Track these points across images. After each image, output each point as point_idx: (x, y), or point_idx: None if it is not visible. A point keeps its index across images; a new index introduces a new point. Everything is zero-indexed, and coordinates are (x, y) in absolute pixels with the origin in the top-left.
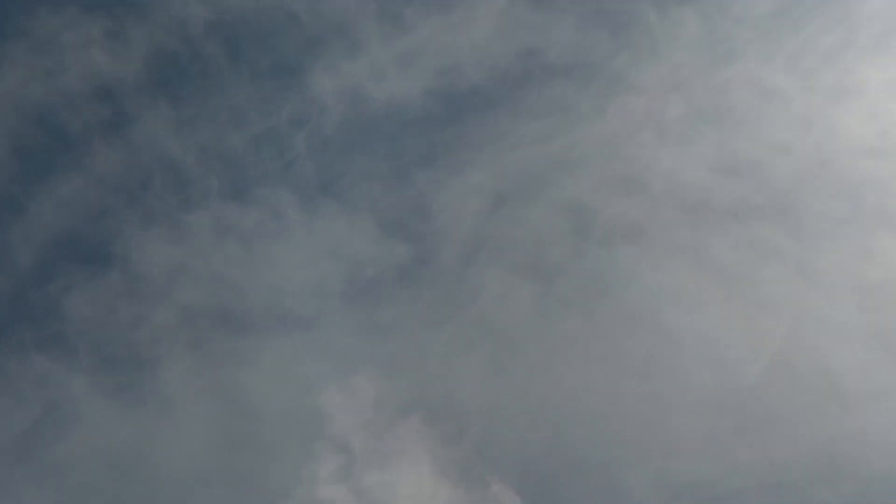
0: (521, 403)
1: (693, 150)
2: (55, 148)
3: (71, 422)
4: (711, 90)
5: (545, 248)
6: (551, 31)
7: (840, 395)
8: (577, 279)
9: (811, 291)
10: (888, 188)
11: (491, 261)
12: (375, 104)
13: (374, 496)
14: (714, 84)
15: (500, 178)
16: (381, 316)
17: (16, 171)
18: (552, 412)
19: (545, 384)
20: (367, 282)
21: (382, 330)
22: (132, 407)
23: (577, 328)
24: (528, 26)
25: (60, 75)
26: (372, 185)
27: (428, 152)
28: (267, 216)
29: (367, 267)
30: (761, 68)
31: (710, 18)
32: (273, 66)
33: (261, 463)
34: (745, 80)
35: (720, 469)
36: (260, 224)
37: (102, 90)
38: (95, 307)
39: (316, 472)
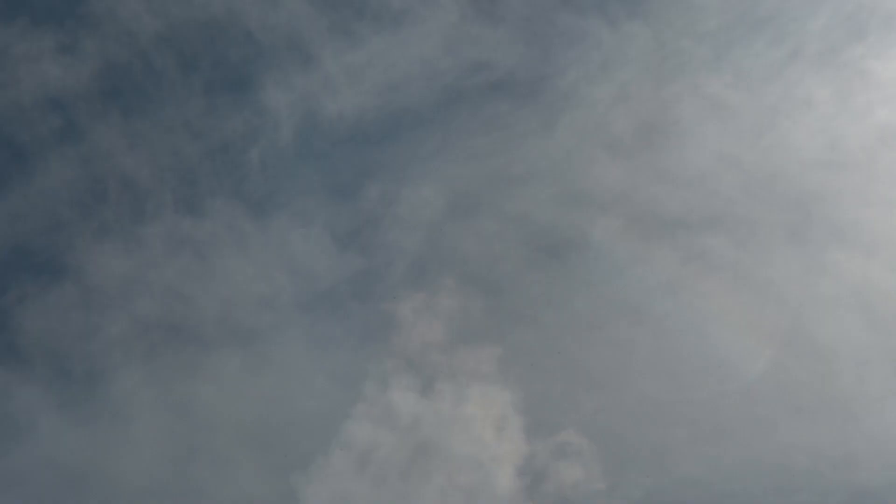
0: None
1: (641, 163)
2: (7, 160)
3: (23, 433)
4: (660, 104)
5: (495, 260)
6: (501, 47)
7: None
8: (526, 290)
9: (762, 304)
10: (838, 201)
11: (442, 272)
12: (327, 118)
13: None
14: (663, 98)
15: (451, 190)
16: (333, 328)
17: None
18: None
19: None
20: (319, 294)
21: (335, 342)
22: (85, 418)
23: (527, 338)
24: (478, 42)
25: (11, 87)
26: (324, 198)
27: (380, 165)
28: (220, 229)
29: (320, 279)
30: (710, 82)
31: (661, 33)
32: (225, 78)
33: (215, 475)
34: (694, 94)
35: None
36: (213, 237)
37: (54, 102)
38: (49, 319)
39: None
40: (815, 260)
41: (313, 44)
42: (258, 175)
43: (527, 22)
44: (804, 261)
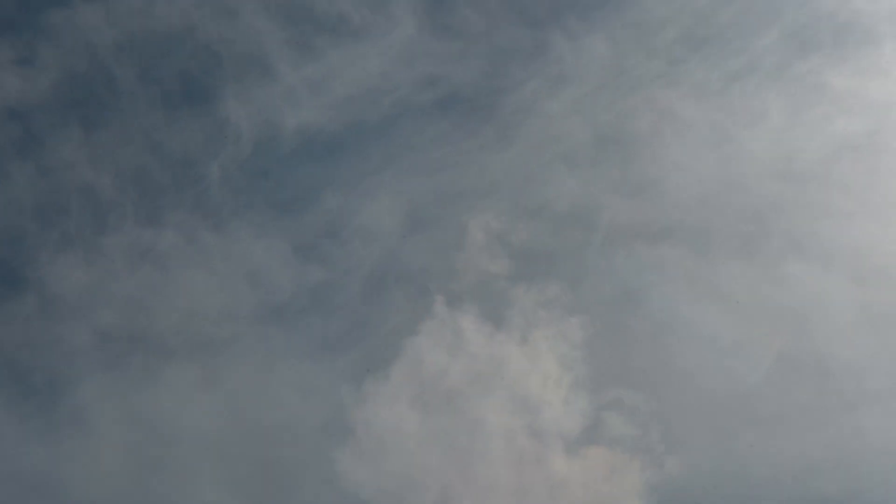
0: None
1: (600, 174)
2: None
3: None
4: (617, 116)
5: (455, 272)
6: (459, 61)
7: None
8: (486, 302)
9: (720, 315)
10: (793, 212)
11: (401, 283)
12: (287, 130)
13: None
14: (619, 110)
15: (409, 202)
16: (294, 338)
17: None
18: None
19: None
20: (280, 305)
21: (296, 352)
22: (46, 429)
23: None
24: (435, 55)
25: None
26: (283, 210)
27: (338, 178)
28: (181, 240)
29: (281, 290)
30: (666, 95)
31: (619, 46)
32: (185, 91)
33: (176, 485)
34: (650, 107)
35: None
36: (174, 248)
37: (13, 113)
38: (10, 329)
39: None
40: (772, 271)
41: (272, 57)
42: (218, 187)
43: (484, 36)
44: (760, 271)
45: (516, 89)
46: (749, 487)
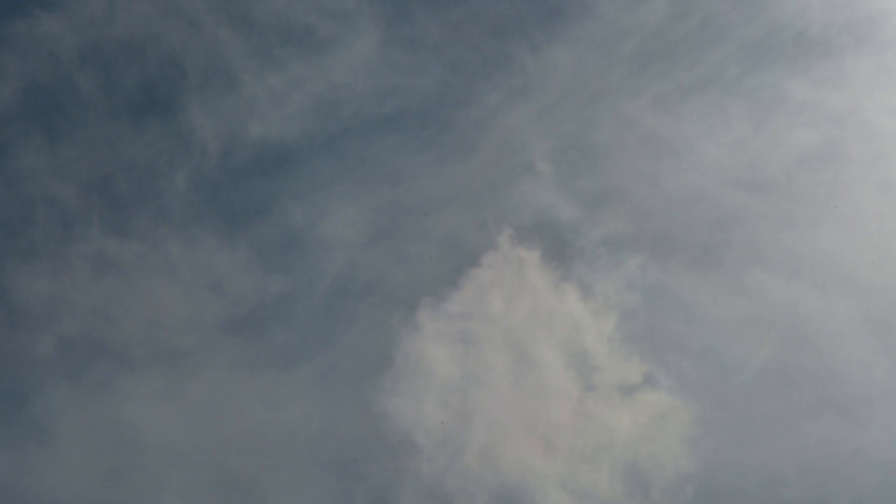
0: None
1: (564, 184)
2: None
3: None
4: (581, 126)
5: (419, 282)
6: (423, 72)
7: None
8: (450, 312)
9: (684, 325)
10: (757, 222)
11: (366, 293)
12: (251, 140)
13: None
14: (583, 120)
15: (373, 212)
16: (258, 348)
17: None
18: None
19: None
20: (244, 314)
21: (260, 361)
22: (9, 438)
23: (448, 359)
24: (398, 66)
25: None
26: (248, 219)
27: (303, 187)
28: (146, 250)
29: (245, 300)
30: (629, 105)
31: (583, 57)
32: (148, 100)
33: (141, 495)
34: (614, 116)
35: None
36: (139, 258)
37: None
38: None
39: None
40: (734, 280)
41: (236, 67)
42: (182, 197)
43: (447, 47)
44: (723, 281)
45: (478, 100)
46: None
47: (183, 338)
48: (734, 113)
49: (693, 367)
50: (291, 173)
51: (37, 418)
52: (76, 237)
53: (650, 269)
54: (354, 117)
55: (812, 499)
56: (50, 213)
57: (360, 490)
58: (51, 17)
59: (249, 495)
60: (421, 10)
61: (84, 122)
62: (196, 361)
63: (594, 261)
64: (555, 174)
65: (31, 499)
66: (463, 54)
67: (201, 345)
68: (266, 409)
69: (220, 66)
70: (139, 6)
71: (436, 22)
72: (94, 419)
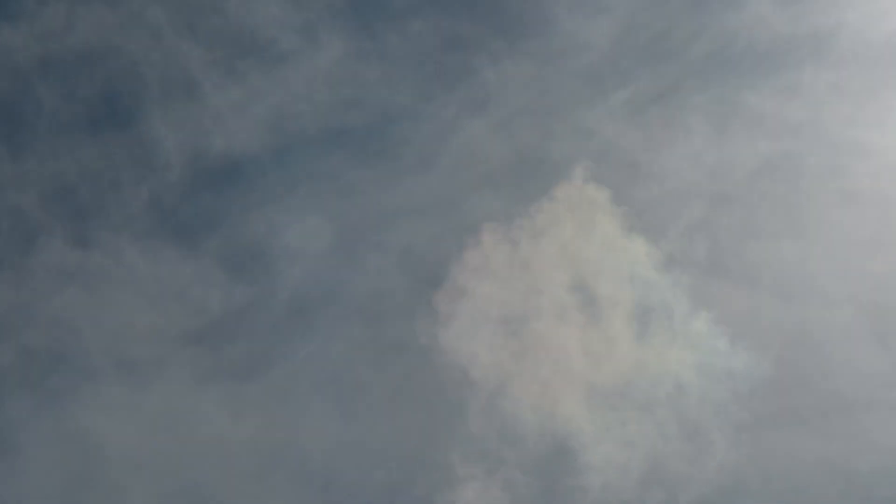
0: None
1: (522, 195)
2: None
3: None
4: (540, 137)
5: (381, 292)
6: (385, 84)
7: None
8: (411, 322)
9: (643, 334)
10: (718, 232)
11: (327, 303)
12: (214, 152)
13: None
14: (542, 131)
15: (336, 223)
16: (221, 358)
17: None
18: None
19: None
20: (207, 325)
21: (223, 372)
22: None
23: (413, 370)
24: (359, 78)
25: None
26: (213, 230)
27: (266, 199)
28: (109, 261)
29: (208, 310)
30: (588, 116)
31: (543, 68)
32: (111, 112)
33: None
34: (573, 127)
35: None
36: (102, 269)
37: None
38: None
39: None
40: (697, 290)
41: (197, 79)
42: (146, 208)
43: (408, 59)
44: (686, 291)
45: (440, 111)
46: None
47: (145, 348)
48: (696, 123)
49: None
50: (253, 184)
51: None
52: (39, 248)
53: None
54: (316, 129)
55: None
56: (12, 224)
57: (321, 501)
58: (10, 28)
59: None
60: (382, 24)
61: (45, 132)
62: (158, 372)
63: None
64: (515, 185)
65: None
66: (424, 67)
67: (163, 355)
68: (228, 420)
69: (182, 78)
70: (99, 17)
71: (397, 35)
72: (55, 429)
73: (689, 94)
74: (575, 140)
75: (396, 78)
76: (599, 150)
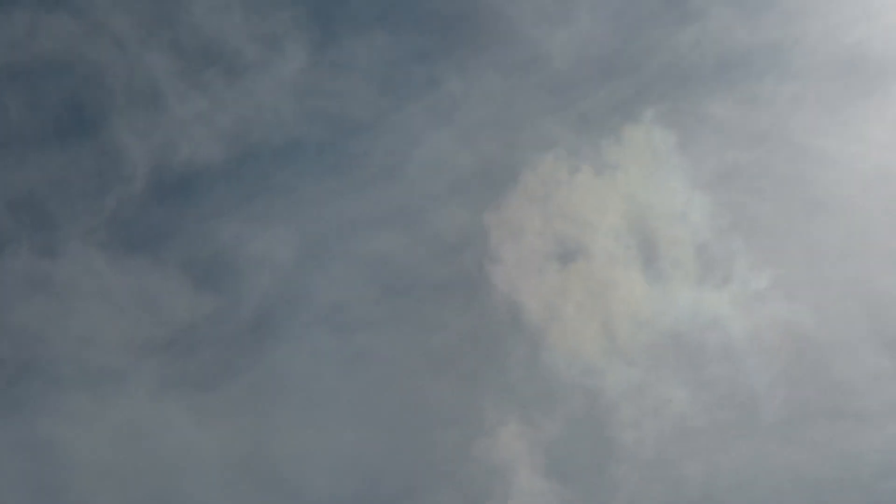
0: None
1: (487, 204)
2: None
3: None
4: (505, 147)
5: (346, 302)
6: (349, 94)
7: None
8: (381, 331)
9: (607, 346)
10: (685, 239)
11: (293, 312)
12: (180, 161)
13: None
14: (507, 141)
15: (302, 232)
16: (188, 367)
17: None
18: None
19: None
20: (174, 333)
21: (190, 380)
22: None
23: (380, 379)
24: (325, 88)
25: None
26: (178, 239)
27: (232, 208)
28: (77, 270)
29: (175, 319)
30: (554, 126)
31: (510, 79)
32: (77, 120)
33: None
34: (539, 137)
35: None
36: (70, 278)
37: None
38: None
39: None
40: (668, 297)
41: (163, 89)
42: (112, 217)
43: (373, 70)
44: (654, 303)
45: (405, 122)
46: None
47: (111, 357)
48: (659, 133)
49: None
50: (218, 194)
51: None
52: (4, 257)
53: None
54: (281, 139)
55: None
56: None
57: None
58: None
59: None
60: (347, 34)
61: (10, 141)
62: (124, 381)
63: None
64: (480, 194)
65: None
66: (388, 77)
67: (129, 364)
68: (194, 429)
69: (146, 88)
70: (62, 26)
71: (361, 45)
72: (23, 438)
73: (652, 102)
74: (540, 150)
75: (361, 88)
76: (565, 160)
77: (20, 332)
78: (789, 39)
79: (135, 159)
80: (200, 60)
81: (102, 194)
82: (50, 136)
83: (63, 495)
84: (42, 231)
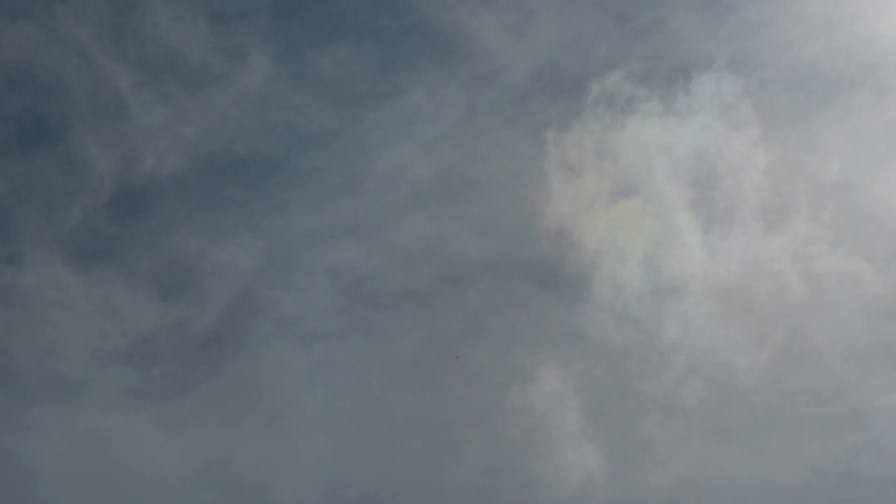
0: None
1: (448, 215)
2: None
3: None
4: (467, 159)
5: (310, 311)
6: (312, 106)
7: None
8: (342, 340)
9: (571, 346)
10: (641, 245)
11: (256, 321)
12: (144, 172)
13: None
14: (469, 153)
15: (266, 242)
16: (153, 376)
17: None
18: None
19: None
20: (139, 342)
21: (155, 388)
22: None
23: (344, 386)
24: (288, 100)
25: None
26: (144, 249)
27: (196, 218)
28: (42, 281)
29: (140, 328)
30: (515, 137)
31: (473, 92)
32: (41, 130)
33: None
34: (499, 148)
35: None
36: (35, 288)
37: None
38: None
39: None
40: (622, 306)
41: (127, 100)
42: (79, 227)
43: (337, 82)
44: (625, 311)
45: (368, 133)
46: None
47: (76, 367)
48: (612, 138)
49: None
50: (183, 204)
51: None
52: None
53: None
54: (244, 150)
55: None
56: None
57: None
58: None
59: None
60: (311, 46)
61: None
62: (89, 390)
63: None
64: (441, 204)
65: None
66: (352, 89)
67: (94, 373)
68: (159, 437)
69: (110, 98)
70: (26, 36)
71: (326, 58)
72: None
73: (603, 111)
74: (500, 160)
75: (325, 100)
76: (524, 169)
77: None
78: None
79: (99, 170)
80: (164, 72)
81: (67, 205)
82: (14, 146)
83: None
84: (7, 241)
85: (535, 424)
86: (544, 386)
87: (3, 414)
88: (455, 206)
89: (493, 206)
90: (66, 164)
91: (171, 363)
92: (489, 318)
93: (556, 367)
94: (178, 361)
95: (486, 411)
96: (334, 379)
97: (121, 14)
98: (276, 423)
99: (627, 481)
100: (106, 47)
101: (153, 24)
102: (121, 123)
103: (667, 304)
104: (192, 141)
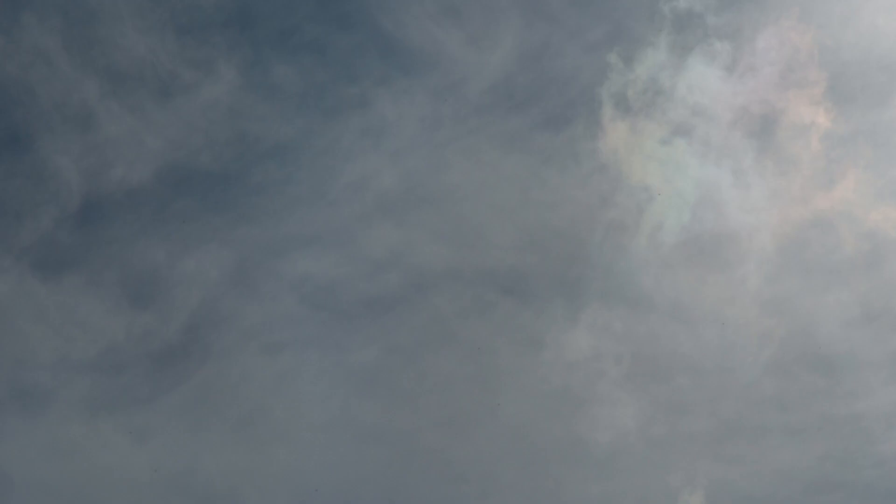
0: None
1: (416, 223)
2: None
3: None
4: (433, 166)
5: (276, 319)
6: (279, 116)
7: None
8: (308, 348)
9: (535, 356)
10: (613, 256)
11: (224, 329)
12: (113, 181)
13: None
14: (436, 160)
15: (233, 251)
16: (120, 384)
17: None
18: None
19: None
20: (107, 351)
21: (125, 396)
22: None
23: (311, 395)
24: (254, 110)
25: None
26: (111, 258)
27: (163, 227)
28: (10, 290)
29: (108, 337)
30: (480, 145)
31: (439, 97)
32: (7, 140)
33: None
34: (468, 157)
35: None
36: (2, 298)
37: None
38: None
39: None
40: (592, 315)
41: (95, 109)
42: (47, 237)
43: (304, 91)
44: (575, 314)
45: (334, 142)
46: None
47: (43, 375)
48: (583, 148)
49: None
50: (151, 214)
51: None
52: None
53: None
54: (211, 159)
55: None
56: None
57: None
58: None
59: None
60: (277, 57)
61: None
62: (57, 399)
63: None
64: (408, 212)
65: None
66: (319, 99)
67: (63, 382)
68: (128, 446)
69: (78, 108)
70: None
71: (292, 67)
72: None
73: (575, 120)
74: (467, 168)
75: (291, 109)
76: (494, 176)
77: None
78: None
79: (66, 179)
80: (131, 82)
81: (33, 214)
82: None
83: None
84: None
85: (502, 433)
86: (511, 394)
87: None
88: (421, 215)
89: (459, 214)
90: (33, 174)
91: (138, 372)
92: (455, 325)
93: (524, 375)
94: (145, 370)
95: (453, 419)
96: (301, 386)
97: (87, 24)
98: (244, 431)
99: None
100: (73, 57)
101: (120, 34)
102: (88, 133)
103: None
104: (160, 151)
